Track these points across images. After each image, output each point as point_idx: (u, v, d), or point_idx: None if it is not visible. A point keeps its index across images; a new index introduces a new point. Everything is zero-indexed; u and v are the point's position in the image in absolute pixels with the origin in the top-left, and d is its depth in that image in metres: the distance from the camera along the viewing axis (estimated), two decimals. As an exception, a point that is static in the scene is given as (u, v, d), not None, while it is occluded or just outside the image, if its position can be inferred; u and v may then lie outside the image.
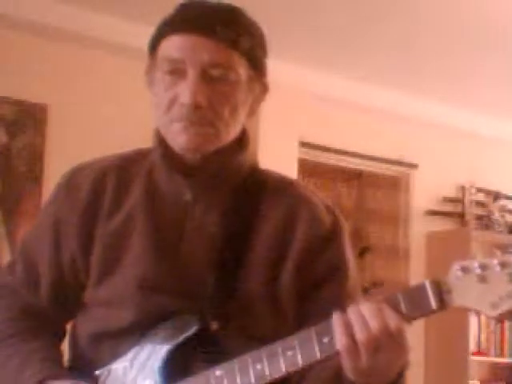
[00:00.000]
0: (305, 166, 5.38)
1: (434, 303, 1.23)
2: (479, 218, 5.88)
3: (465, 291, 1.23)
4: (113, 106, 4.60)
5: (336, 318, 1.26)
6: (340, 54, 4.98)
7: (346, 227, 1.55)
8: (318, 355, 1.27)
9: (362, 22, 4.55)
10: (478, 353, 5.60)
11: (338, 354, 1.25)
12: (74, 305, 1.54)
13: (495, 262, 1.22)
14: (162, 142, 1.49)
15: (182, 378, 1.38)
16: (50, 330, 1.56)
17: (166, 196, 1.50)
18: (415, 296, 1.25)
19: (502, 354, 5.77)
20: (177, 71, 1.43)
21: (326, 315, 1.35)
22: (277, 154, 5.00)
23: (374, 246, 5.80)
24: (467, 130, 5.85)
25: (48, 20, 4.36)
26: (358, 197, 5.80)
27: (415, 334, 5.49)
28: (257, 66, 1.50)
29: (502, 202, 5.98)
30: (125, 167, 1.54)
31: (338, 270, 1.48)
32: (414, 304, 1.25)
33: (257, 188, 1.52)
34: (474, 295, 1.22)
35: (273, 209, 1.49)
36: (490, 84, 5.32)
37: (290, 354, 1.28)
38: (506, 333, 5.82)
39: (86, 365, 1.49)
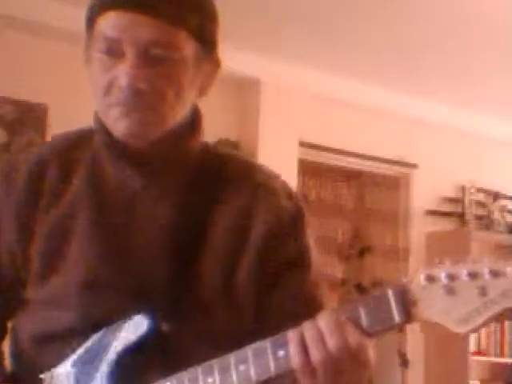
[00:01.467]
0: (305, 166, 5.38)
1: (397, 316, 1.10)
2: (479, 217, 5.88)
3: (431, 303, 1.09)
4: (113, 106, 4.60)
5: (291, 334, 1.14)
6: (340, 54, 4.98)
7: (307, 214, 1.42)
8: (273, 370, 1.15)
9: (362, 22, 4.54)
10: (478, 353, 5.60)
11: (293, 370, 1.14)
12: (14, 302, 1.41)
13: (464, 272, 1.08)
14: (102, 126, 1.37)
15: (132, 382, 1.28)
16: None
17: (112, 185, 1.37)
18: (377, 307, 1.11)
19: (501, 354, 5.77)
20: (114, 51, 1.30)
21: (289, 309, 1.28)
22: (277, 153, 5.00)
23: (374, 246, 5.80)
24: (467, 129, 5.85)
25: (48, 20, 4.36)
26: (358, 197, 5.79)
27: (415, 334, 5.49)
28: (206, 42, 1.36)
29: (502, 202, 5.98)
30: (66, 151, 1.41)
31: (299, 260, 1.38)
32: (375, 316, 1.11)
33: (214, 174, 1.39)
34: (441, 308, 1.09)
35: (231, 197, 1.37)
36: (490, 84, 5.32)
37: (243, 369, 1.17)
38: (506, 333, 5.81)
39: (28, 368, 1.37)
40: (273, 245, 1.36)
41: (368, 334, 1.12)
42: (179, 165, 1.38)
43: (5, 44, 4.38)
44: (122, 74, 1.28)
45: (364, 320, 1.12)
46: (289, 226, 1.38)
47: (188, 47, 1.32)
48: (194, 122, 1.41)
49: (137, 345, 1.27)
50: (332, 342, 1.10)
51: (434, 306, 1.09)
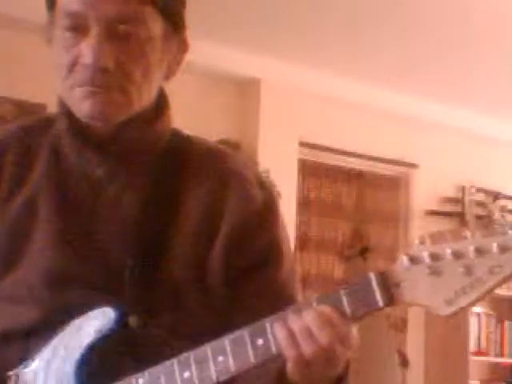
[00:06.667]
0: (305, 166, 5.38)
1: (380, 299, 1.06)
2: (479, 218, 5.89)
3: (415, 285, 1.05)
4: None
5: (279, 329, 1.10)
6: (340, 53, 4.98)
7: (279, 204, 1.35)
8: (253, 360, 1.11)
9: (362, 23, 4.55)
10: (478, 353, 5.61)
11: (274, 358, 1.11)
12: None
13: (448, 251, 1.03)
14: (66, 110, 1.28)
15: (102, 380, 1.19)
16: None
17: (74, 172, 1.29)
18: (359, 292, 1.08)
19: (501, 354, 5.78)
20: (78, 27, 1.23)
21: (262, 301, 1.23)
22: (277, 154, 5.00)
23: (374, 246, 5.80)
24: (467, 130, 5.85)
25: (48, 20, 4.37)
26: (358, 197, 5.80)
27: (415, 334, 5.50)
28: (174, 21, 1.29)
29: (502, 202, 5.99)
30: (25, 138, 1.34)
31: (270, 252, 1.30)
32: (358, 301, 1.08)
33: (181, 160, 1.31)
34: (426, 290, 1.04)
35: (199, 185, 1.30)
36: (490, 84, 5.32)
37: (222, 360, 1.12)
38: (506, 333, 5.82)
39: None
40: (242, 238, 1.29)
41: (353, 319, 1.09)
42: (145, 150, 1.30)
43: (5, 44, 4.39)
44: (87, 50, 1.22)
45: (346, 305, 1.08)
46: (259, 217, 1.30)
47: (155, 25, 1.26)
48: (160, 106, 1.33)
49: (103, 341, 1.20)
50: (322, 337, 1.08)
51: (418, 288, 1.05)
